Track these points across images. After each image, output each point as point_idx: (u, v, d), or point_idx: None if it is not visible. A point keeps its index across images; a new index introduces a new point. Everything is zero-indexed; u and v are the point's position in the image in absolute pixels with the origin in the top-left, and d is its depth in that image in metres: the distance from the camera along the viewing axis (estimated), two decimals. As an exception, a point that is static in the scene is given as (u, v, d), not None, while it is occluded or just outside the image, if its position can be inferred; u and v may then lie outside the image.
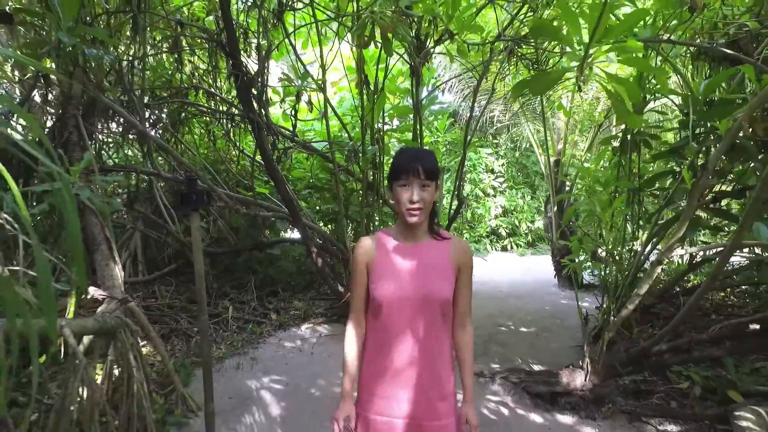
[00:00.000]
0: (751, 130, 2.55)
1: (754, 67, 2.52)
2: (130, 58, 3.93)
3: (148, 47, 4.37)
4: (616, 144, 3.81)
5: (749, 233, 2.86)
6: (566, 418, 3.22)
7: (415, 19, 3.86)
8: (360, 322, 1.64)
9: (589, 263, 4.58)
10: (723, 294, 6.09)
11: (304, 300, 6.03)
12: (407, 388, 1.52)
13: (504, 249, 11.89)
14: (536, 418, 3.23)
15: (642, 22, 3.18)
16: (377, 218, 5.20)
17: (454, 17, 3.45)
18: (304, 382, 3.75)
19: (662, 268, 5.43)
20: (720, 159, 2.96)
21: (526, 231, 12.04)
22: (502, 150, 12.62)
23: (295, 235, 6.79)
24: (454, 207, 5.03)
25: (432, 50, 4.31)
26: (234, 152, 6.70)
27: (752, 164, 3.17)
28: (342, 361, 1.63)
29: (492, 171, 12.42)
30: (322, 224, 6.78)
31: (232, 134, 5.60)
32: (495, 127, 10.51)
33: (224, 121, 5.63)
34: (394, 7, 3.41)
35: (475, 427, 1.54)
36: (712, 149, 2.94)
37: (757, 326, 3.25)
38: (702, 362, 3.46)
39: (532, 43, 4.02)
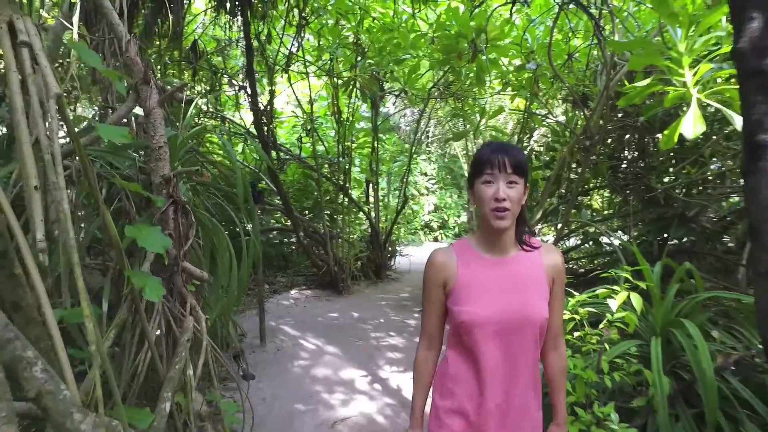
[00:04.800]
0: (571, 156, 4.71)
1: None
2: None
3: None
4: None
5: (577, 215, 5.05)
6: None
7: (381, 75, 5.76)
8: (434, 346, 1.49)
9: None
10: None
11: (285, 276, 7.74)
12: (494, 423, 1.35)
13: (435, 239, 14.14)
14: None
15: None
16: (342, 213, 7.12)
17: (407, 81, 5.40)
18: (307, 320, 5.55)
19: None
20: (563, 171, 5.15)
21: (454, 224, 14.35)
22: (433, 156, 14.85)
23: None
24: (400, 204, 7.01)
25: (389, 93, 6.27)
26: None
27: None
28: (413, 389, 1.50)
29: (425, 174, 14.62)
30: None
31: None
32: (429, 139, 12.70)
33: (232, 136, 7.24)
34: (369, 74, 5.30)
35: None
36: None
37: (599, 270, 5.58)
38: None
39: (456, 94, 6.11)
